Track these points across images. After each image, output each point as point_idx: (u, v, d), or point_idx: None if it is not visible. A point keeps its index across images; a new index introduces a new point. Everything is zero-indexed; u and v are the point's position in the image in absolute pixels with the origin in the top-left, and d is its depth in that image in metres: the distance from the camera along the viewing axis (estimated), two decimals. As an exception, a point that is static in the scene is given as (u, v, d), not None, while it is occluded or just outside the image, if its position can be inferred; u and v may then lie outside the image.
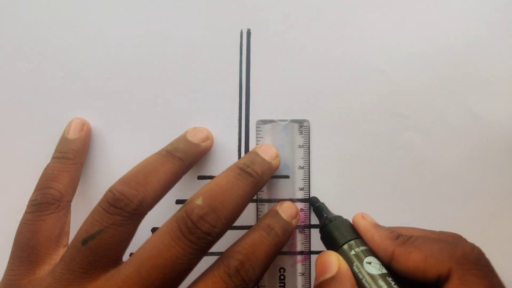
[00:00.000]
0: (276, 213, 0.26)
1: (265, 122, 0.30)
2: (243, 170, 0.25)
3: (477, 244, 0.22)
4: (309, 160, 0.30)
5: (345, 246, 0.24)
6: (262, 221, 0.26)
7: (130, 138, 0.30)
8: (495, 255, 0.31)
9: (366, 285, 0.22)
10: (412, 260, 0.21)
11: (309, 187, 0.30)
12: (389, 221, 0.31)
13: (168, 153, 0.25)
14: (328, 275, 0.22)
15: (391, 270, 0.22)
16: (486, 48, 0.31)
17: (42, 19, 0.30)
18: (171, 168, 0.25)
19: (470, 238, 0.30)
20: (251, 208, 0.30)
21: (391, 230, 0.24)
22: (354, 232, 0.25)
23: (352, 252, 0.23)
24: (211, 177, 0.30)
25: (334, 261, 0.23)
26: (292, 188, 0.30)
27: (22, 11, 0.30)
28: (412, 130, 0.31)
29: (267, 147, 0.28)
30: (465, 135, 0.31)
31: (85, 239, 0.22)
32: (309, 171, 0.30)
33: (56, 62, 0.30)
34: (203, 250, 0.22)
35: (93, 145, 0.30)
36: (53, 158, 0.28)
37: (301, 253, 0.30)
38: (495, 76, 0.31)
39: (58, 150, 0.28)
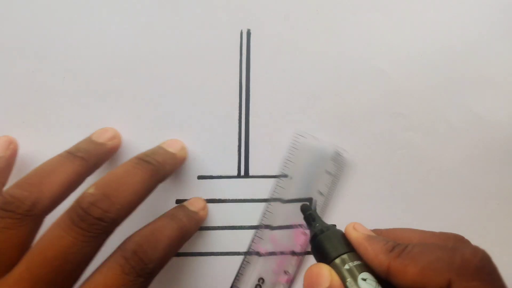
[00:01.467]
0: (182, 205, 0.28)
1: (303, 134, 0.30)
2: (142, 159, 0.25)
3: (476, 243, 0.21)
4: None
5: (337, 260, 0.22)
6: (167, 212, 0.27)
7: (130, 137, 0.30)
8: (495, 255, 0.31)
9: None
10: (409, 274, 0.20)
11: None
12: (389, 221, 0.31)
13: (69, 153, 0.25)
14: None
15: (390, 285, 0.21)
16: (486, 48, 0.31)
17: (42, 19, 0.30)
18: (71, 168, 0.24)
19: (470, 238, 0.30)
20: (254, 208, 0.30)
21: (386, 240, 0.22)
22: (347, 245, 0.23)
23: (346, 267, 0.22)
24: (211, 177, 0.30)
25: (326, 274, 0.21)
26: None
27: (22, 11, 0.30)
28: (412, 130, 0.31)
29: (171, 141, 0.29)
30: (465, 135, 0.31)
31: None
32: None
33: (56, 62, 0.30)
34: (97, 237, 0.22)
35: None
36: None
37: (285, 272, 0.29)
38: (495, 76, 0.31)
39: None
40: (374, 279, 0.21)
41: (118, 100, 0.30)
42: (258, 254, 0.29)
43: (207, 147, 0.30)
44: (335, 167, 0.30)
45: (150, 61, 0.30)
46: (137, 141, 0.30)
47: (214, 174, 0.31)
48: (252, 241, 0.29)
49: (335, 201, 0.31)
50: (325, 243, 0.23)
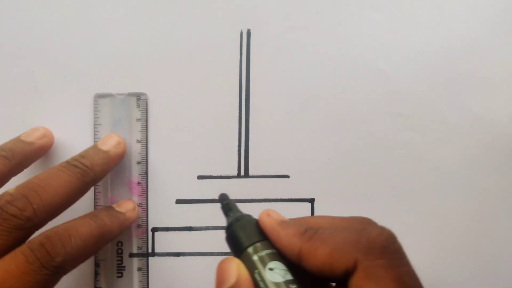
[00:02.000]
0: (108, 206, 0.28)
1: (102, 96, 0.30)
2: (69, 163, 0.26)
3: (476, 243, 0.21)
4: (146, 133, 0.30)
5: (250, 249, 0.21)
6: (91, 212, 0.27)
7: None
8: (495, 255, 0.31)
9: None
10: (319, 255, 0.20)
11: (147, 162, 0.30)
12: (389, 221, 0.31)
13: None
14: (225, 286, 0.21)
15: (301, 270, 0.21)
16: (486, 48, 0.31)
17: (42, 19, 0.30)
18: None
19: (470, 238, 0.30)
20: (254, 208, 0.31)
21: (298, 225, 0.22)
22: (261, 233, 0.22)
23: (255, 257, 0.21)
24: (211, 177, 0.31)
25: (232, 269, 0.21)
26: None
27: (22, 11, 0.30)
28: (412, 130, 0.31)
29: (106, 138, 0.29)
30: (465, 135, 0.31)
31: None
32: (146, 145, 0.30)
33: (56, 62, 0.30)
34: (10, 232, 0.22)
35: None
36: None
37: (138, 226, 0.30)
38: (495, 76, 0.31)
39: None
40: (283, 267, 0.21)
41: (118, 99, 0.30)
42: None
43: (207, 147, 0.30)
44: (141, 112, 0.30)
45: (150, 61, 0.30)
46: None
47: (214, 174, 0.31)
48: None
49: (335, 201, 0.31)
50: (239, 232, 0.23)
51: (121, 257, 0.30)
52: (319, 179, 0.31)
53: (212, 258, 0.30)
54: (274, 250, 0.21)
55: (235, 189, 0.31)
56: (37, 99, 0.30)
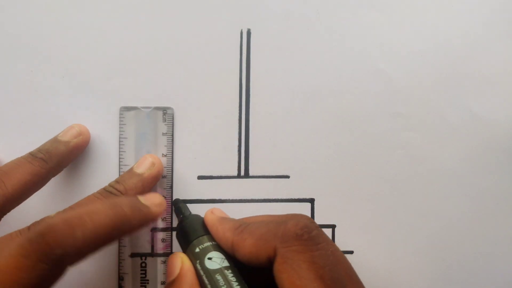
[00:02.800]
0: (133, 196, 0.25)
1: (128, 109, 0.30)
2: (32, 154, 0.27)
3: (476, 243, 0.22)
4: (172, 147, 0.30)
5: (194, 242, 0.24)
6: (110, 197, 0.26)
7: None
8: (494, 255, 0.31)
9: (205, 281, 0.22)
10: (247, 246, 0.22)
11: (172, 176, 0.30)
12: (389, 221, 0.31)
13: (30, 155, 0.27)
14: (171, 277, 0.23)
15: (237, 260, 0.23)
16: (486, 48, 0.31)
17: (42, 19, 0.30)
18: (29, 169, 0.25)
19: (470, 238, 0.30)
20: (254, 208, 0.31)
21: (235, 221, 0.24)
22: (204, 229, 0.25)
23: (197, 250, 0.24)
24: (211, 177, 0.30)
25: (176, 262, 0.23)
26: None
27: (22, 11, 0.30)
28: (412, 130, 0.31)
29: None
30: (465, 135, 0.31)
31: None
32: (171, 159, 0.30)
33: (56, 62, 0.30)
34: None
35: (92, 144, 0.30)
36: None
37: (162, 240, 0.30)
38: (495, 76, 0.31)
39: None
40: (221, 256, 0.23)
41: (118, 100, 0.30)
42: None
43: (207, 147, 0.30)
44: (167, 126, 0.30)
45: (150, 61, 0.30)
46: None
47: (214, 174, 0.31)
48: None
49: (335, 201, 0.31)
50: (187, 228, 0.26)
51: (145, 270, 0.30)
52: (319, 179, 0.31)
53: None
54: (214, 243, 0.24)
55: (235, 189, 0.31)
56: (37, 99, 0.30)
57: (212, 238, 0.24)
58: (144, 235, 0.30)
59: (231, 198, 0.31)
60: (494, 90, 0.31)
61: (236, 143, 0.31)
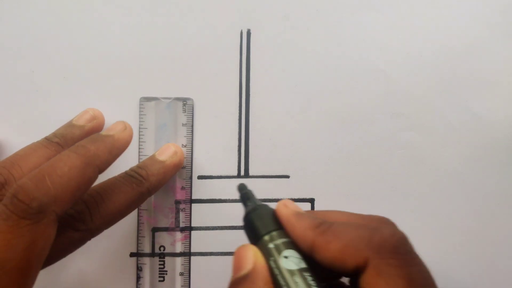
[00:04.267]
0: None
1: (148, 99, 0.30)
2: (47, 139, 0.26)
3: (476, 243, 0.22)
4: (192, 138, 0.30)
5: (266, 238, 0.22)
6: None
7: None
8: (495, 255, 0.31)
9: (281, 281, 0.20)
10: (332, 250, 0.20)
11: (192, 165, 0.30)
12: (389, 221, 0.31)
13: (46, 139, 0.26)
14: (242, 272, 0.21)
15: (314, 262, 0.21)
16: (486, 48, 0.31)
17: (42, 19, 0.30)
18: (45, 154, 0.25)
19: (470, 238, 0.30)
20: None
21: (314, 218, 0.22)
22: (277, 222, 0.23)
23: (271, 245, 0.22)
24: (211, 177, 0.30)
25: (249, 256, 0.21)
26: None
27: (23, 11, 0.30)
28: (412, 130, 0.31)
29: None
30: (465, 135, 0.31)
31: None
32: (191, 149, 0.30)
33: (57, 62, 0.30)
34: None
35: None
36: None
37: (181, 230, 0.30)
38: (495, 76, 0.31)
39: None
40: (298, 256, 0.21)
41: (118, 100, 0.30)
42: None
43: (207, 147, 0.30)
44: (187, 117, 0.30)
45: (151, 61, 0.30)
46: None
47: (214, 174, 0.31)
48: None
49: (335, 201, 0.31)
50: (256, 221, 0.23)
51: (163, 261, 0.30)
52: (319, 179, 0.31)
53: (212, 258, 0.30)
54: (289, 239, 0.22)
55: (235, 189, 0.31)
56: (37, 99, 0.30)
57: (285, 234, 0.22)
58: (165, 234, 0.30)
59: (231, 198, 0.31)
60: (494, 90, 0.31)
61: (236, 143, 0.31)
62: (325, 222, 0.21)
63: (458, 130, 0.31)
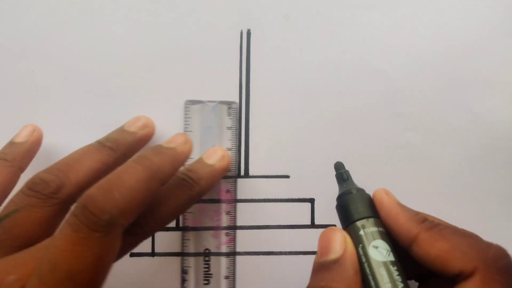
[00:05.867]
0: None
1: (193, 102, 0.30)
2: (100, 142, 0.26)
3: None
4: (236, 141, 0.30)
5: (358, 223, 0.21)
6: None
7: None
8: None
9: (367, 270, 0.20)
10: (437, 248, 0.20)
11: (237, 170, 0.30)
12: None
13: (99, 143, 0.26)
14: (331, 256, 0.20)
15: (405, 257, 0.21)
16: (486, 48, 0.31)
17: (42, 19, 0.30)
18: (98, 157, 0.25)
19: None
20: (254, 208, 0.30)
21: (416, 212, 0.22)
22: (372, 210, 0.22)
23: (361, 232, 0.21)
24: (211, 177, 0.31)
25: (341, 240, 0.21)
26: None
27: (23, 11, 0.30)
28: (412, 130, 0.31)
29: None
30: (466, 135, 0.31)
31: (0, 218, 0.22)
32: (237, 152, 0.30)
33: (57, 62, 0.30)
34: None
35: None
36: None
37: (226, 234, 0.30)
38: (495, 76, 0.31)
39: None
40: (388, 248, 0.21)
41: (118, 100, 0.30)
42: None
43: (207, 147, 0.30)
44: (232, 121, 0.30)
45: (151, 61, 0.30)
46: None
47: (214, 174, 0.31)
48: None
49: (335, 201, 0.31)
50: (350, 204, 0.23)
51: (208, 264, 0.30)
52: (319, 179, 0.31)
53: (212, 258, 0.30)
54: (381, 229, 0.22)
55: (235, 189, 0.31)
56: (37, 99, 0.30)
57: (379, 223, 0.22)
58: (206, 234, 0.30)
59: (230, 198, 0.31)
60: (494, 90, 0.31)
61: (236, 143, 0.31)
62: (428, 220, 0.21)
63: (458, 130, 0.31)
